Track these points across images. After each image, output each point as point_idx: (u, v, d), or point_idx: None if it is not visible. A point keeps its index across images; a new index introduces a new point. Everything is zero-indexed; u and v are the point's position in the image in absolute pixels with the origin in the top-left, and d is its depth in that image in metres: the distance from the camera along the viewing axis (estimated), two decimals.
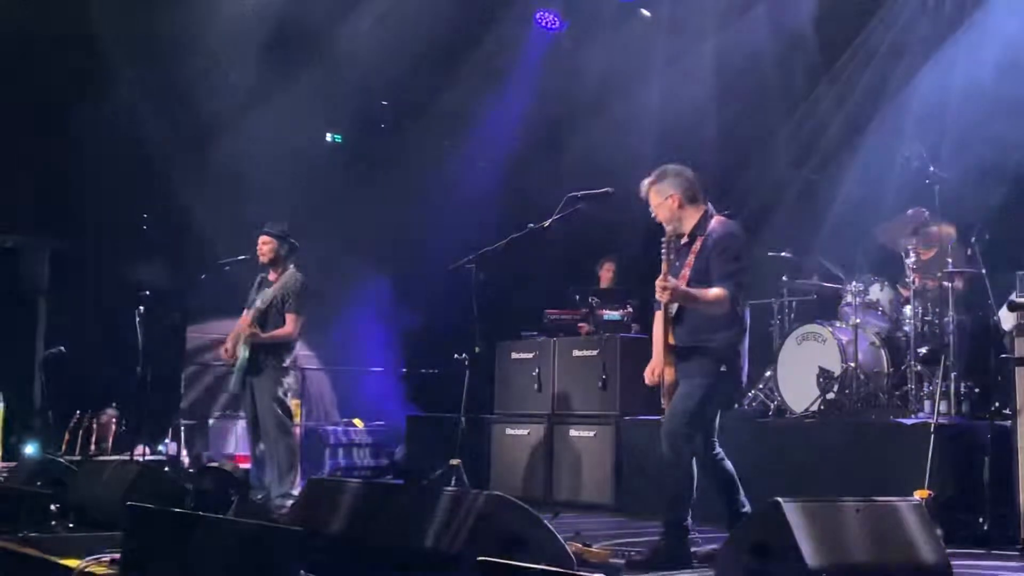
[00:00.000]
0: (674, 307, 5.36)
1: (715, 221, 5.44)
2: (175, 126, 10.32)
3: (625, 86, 10.47)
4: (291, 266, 7.56)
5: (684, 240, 5.46)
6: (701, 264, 5.36)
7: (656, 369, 5.47)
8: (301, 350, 8.64)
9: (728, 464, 5.46)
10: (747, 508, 5.37)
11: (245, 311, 7.57)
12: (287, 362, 7.51)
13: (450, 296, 8.26)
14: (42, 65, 9.93)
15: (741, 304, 5.37)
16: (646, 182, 5.50)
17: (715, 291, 5.26)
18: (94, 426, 9.74)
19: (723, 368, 5.30)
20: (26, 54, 9.75)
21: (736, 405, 8.12)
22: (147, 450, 9.07)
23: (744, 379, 5.52)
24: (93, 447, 9.78)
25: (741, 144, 9.59)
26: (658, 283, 5.19)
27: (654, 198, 5.45)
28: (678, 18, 10.25)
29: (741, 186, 9.19)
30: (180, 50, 10.04)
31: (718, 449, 5.47)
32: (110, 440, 9.80)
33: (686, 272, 5.38)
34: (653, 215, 5.47)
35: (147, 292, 8.11)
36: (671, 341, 5.36)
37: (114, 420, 9.94)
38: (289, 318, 7.39)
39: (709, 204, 5.51)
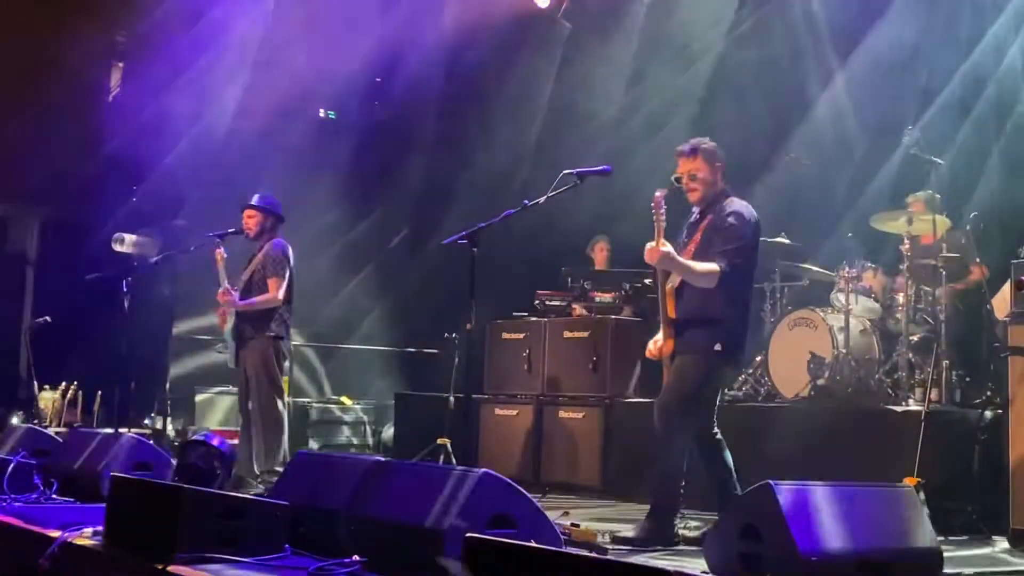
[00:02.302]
0: (675, 280, 5.38)
1: (727, 201, 5.46)
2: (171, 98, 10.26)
3: (621, 70, 10.43)
4: (276, 237, 7.50)
5: (695, 216, 5.52)
6: (706, 240, 5.37)
7: (659, 341, 5.47)
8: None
9: (726, 447, 5.44)
10: (739, 493, 5.34)
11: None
12: (275, 331, 7.31)
13: (442, 273, 8.20)
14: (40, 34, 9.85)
15: (738, 284, 5.35)
16: (695, 142, 5.50)
17: (707, 264, 5.26)
18: (43, 407, 9.69)
19: (718, 347, 5.29)
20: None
21: (728, 389, 8.14)
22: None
23: (742, 359, 5.51)
24: (79, 419, 9.73)
25: (736, 127, 9.54)
26: (648, 246, 5.21)
27: (699, 160, 5.43)
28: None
29: (737, 170, 9.14)
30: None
31: (716, 430, 5.45)
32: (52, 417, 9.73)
33: (691, 248, 5.41)
34: (679, 175, 5.45)
35: (135, 264, 8.04)
36: (671, 314, 5.37)
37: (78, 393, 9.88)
38: (271, 283, 7.28)
39: (728, 186, 5.55)
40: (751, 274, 5.52)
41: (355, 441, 10.90)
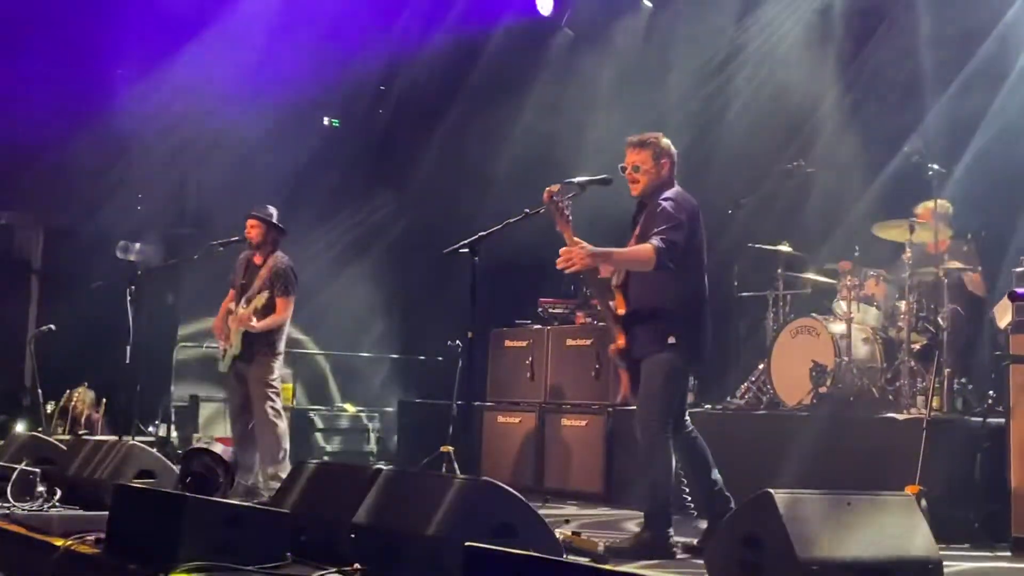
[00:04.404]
0: (620, 276, 5.37)
1: (666, 191, 5.40)
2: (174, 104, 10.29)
3: (621, 81, 10.46)
4: (277, 250, 7.56)
5: (635, 210, 5.50)
6: (644, 230, 5.33)
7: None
8: (293, 333, 8.62)
9: (701, 442, 5.42)
10: (720, 486, 5.34)
11: (231, 290, 7.63)
12: (279, 347, 7.52)
13: (445, 282, 8.20)
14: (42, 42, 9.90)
15: (685, 273, 5.26)
16: (646, 136, 5.46)
17: (640, 246, 5.21)
18: (75, 405, 9.70)
19: (671, 340, 5.23)
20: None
21: (731, 397, 8.14)
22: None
23: (704, 350, 5.42)
24: (83, 427, 9.73)
25: (739, 134, 9.55)
26: (561, 253, 5.15)
27: (645, 154, 5.40)
28: (679, 9, 10.24)
29: (739, 178, 9.16)
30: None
31: (691, 427, 5.44)
32: (84, 418, 9.75)
33: (632, 241, 5.38)
34: (624, 165, 5.42)
35: (139, 272, 8.07)
36: (620, 311, 5.35)
37: (91, 400, 9.89)
38: (279, 302, 7.40)
39: (674, 181, 5.50)
40: (698, 262, 5.38)
41: (358, 449, 10.90)
